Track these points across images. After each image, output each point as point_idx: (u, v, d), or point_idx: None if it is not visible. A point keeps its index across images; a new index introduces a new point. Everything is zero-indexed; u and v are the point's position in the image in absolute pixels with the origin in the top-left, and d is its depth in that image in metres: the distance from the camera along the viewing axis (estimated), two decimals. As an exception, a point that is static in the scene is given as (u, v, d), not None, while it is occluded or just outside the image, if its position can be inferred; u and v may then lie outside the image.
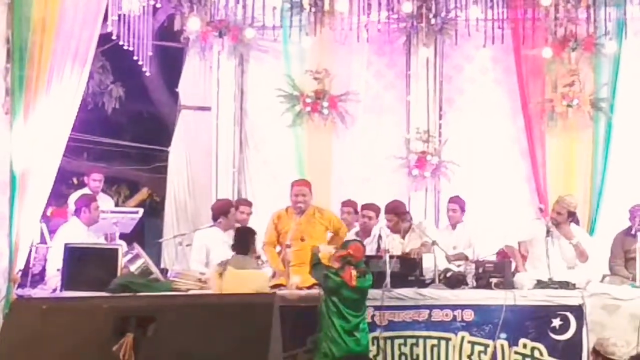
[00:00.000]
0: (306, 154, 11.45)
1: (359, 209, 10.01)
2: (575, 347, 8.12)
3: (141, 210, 10.18)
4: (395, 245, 9.10)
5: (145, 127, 15.12)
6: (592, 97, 10.96)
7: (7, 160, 7.98)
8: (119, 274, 8.40)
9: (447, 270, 8.76)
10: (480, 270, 8.61)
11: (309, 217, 8.93)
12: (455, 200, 10.22)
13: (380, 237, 9.24)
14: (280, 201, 10.00)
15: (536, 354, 8.16)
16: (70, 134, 8.67)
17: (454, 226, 10.05)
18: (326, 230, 8.96)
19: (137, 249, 8.90)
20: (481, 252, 9.52)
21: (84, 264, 8.34)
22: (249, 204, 10.45)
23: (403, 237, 9.34)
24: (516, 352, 8.17)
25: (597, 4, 10.36)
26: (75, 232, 9.19)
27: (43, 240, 9.50)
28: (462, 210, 10.11)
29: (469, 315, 8.24)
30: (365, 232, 9.63)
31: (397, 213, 9.55)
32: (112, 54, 12.45)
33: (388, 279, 8.24)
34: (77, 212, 9.44)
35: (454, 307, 8.25)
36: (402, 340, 8.17)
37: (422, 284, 8.53)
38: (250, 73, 11.78)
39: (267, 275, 8.34)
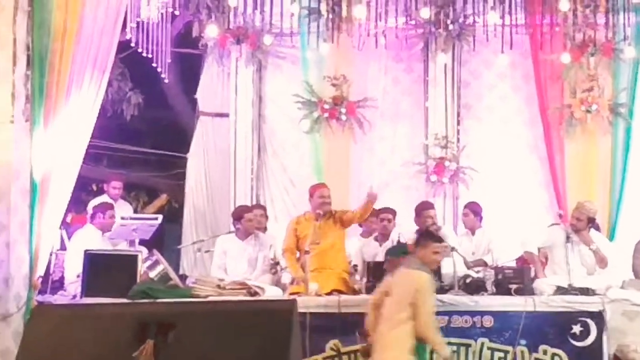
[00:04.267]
0: (324, 160, 11.46)
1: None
2: (595, 354, 8.09)
3: (160, 217, 10.21)
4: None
5: (163, 133, 15.16)
6: (611, 102, 10.93)
7: (27, 167, 8.03)
8: (138, 280, 8.45)
9: (466, 276, 8.74)
10: (500, 276, 8.58)
11: (326, 219, 8.99)
12: (468, 205, 10.19)
13: (399, 242, 9.23)
14: (299, 207, 10.07)
15: (556, 360, 8.14)
16: (90, 141, 8.72)
17: (472, 232, 10.01)
18: (338, 226, 9.01)
19: (157, 255, 8.93)
20: (500, 258, 9.47)
21: (104, 270, 8.39)
22: (261, 207, 10.50)
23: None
24: (536, 359, 8.14)
25: (615, 9, 10.31)
26: (90, 237, 9.26)
27: (63, 247, 9.58)
28: (477, 215, 10.05)
29: (488, 322, 8.22)
30: (385, 235, 9.64)
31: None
32: (131, 61, 12.50)
33: (407, 285, 8.20)
34: (92, 218, 9.52)
35: (473, 313, 8.23)
36: (421, 347, 8.14)
37: (442, 290, 8.49)
38: (268, 79, 11.81)
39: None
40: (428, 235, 7.65)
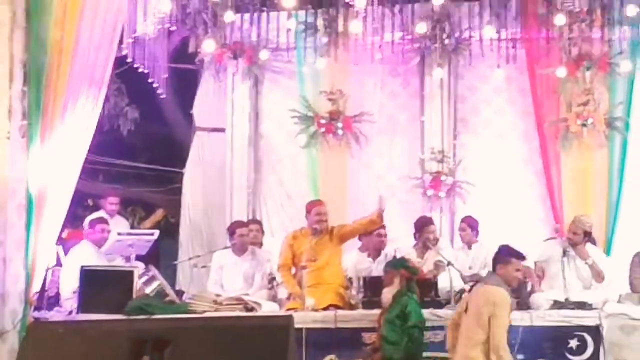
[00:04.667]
0: (321, 175, 11.46)
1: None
2: (592, 368, 8.08)
3: (157, 232, 10.19)
4: (411, 265, 9.10)
5: (160, 148, 15.15)
6: (606, 116, 10.93)
7: (23, 183, 8.01)
8: (134, 296, 8.43)
9: (463, 290, 8.73)
10: (497, 290, 8.56)
11: (322, 235, 8.99)
12: (464, 220, 10.20)
13: (394, 257, 9.23)
14: (295, 222, 10.06)
15: (553, 374, 8.12)
16: (86, 156, 8.71)
17: (469, 246, 10.02)
18: (334, 242, 9.01)
19: (153, 270, 8.92)
20: (497, 273, 9.46)
21: (100, 286, 8.37)
22: (257, 222, 10.48)
23: (421, 257, 9.34)
24: (533, 373, 8.12)
25: (611, 23, 10.35)
26: (86, 253, 9.24)
27: (59, 263, 9.56)
28: (474, 229, 10.07)
29: (485, 336, 8.19)
30: (377, 251, 9.64)
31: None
32: (127, 77, 12.47)
33: (404, 300, 8.19)
34: (86, 234, 9.51)
35: (470, 328, 8.20)
36: (418, 362, 8.12)
37: (438, 304, 8.50)
38: (264, 94, 11.83)
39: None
40: (509, 252, 7.26)
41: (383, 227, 9.67)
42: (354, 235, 9.42)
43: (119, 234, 9.72)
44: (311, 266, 8.78)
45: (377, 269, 9.21)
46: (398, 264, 7.96)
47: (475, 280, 9.35)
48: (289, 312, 8.22)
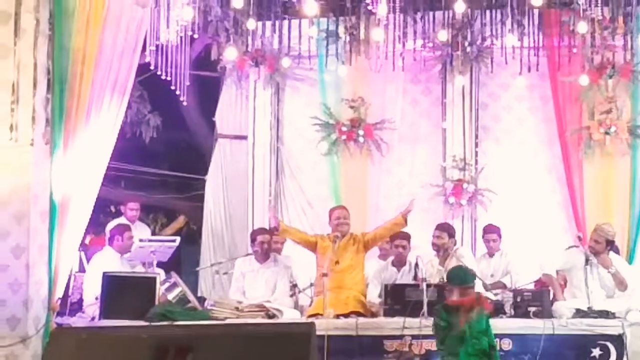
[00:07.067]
0: (342, 182, 11.47)
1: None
2: (615, 378, 8.03)
3: (178, 239, 10.22)
4: (433, 272, 9.08)
5: (182, 155, 15.22)
6: (629, 124, 10.88)
7: (46, 189, 8.06)
8: (156, 302, 8.46)
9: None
10: (519, 298, 8.54)
11: (345, 241, 8.99)
12: (493, 229, 10.15)
13: (417, 265, 9.18)
14: (316, 228, 10.07)
15: (576, 383, 8.08)
16: (109, 163, 8.75)
17: (491, 254, 9.99)
18: (357, 248, 9.01)
19: (175, 277, 8.94)
20: (519, 281, 9.45)
21: (122, 292, 8.40)
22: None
23: (442, 264, 9.31)
24: (556, 382, 8.08)
25: (634, 31, 10.31)
26: (108, 260, 9.27)
27: (82, 269, 9.61)
28: (500, 237, 10.04)
29: (507, 345, 8.16)
30: (401, 261, 9.61)
31: (450, 233, 9.56)
32: (150, 84, 12.55)
33: (425, 308, 8.18)
34: (110, 241, 9.55)
35: (492, 336, 8.18)
36: (440, 370, 8.10)
37: (460, 312, 8.45)
38: (286, 102, 11.85)
39: None
40: None
41: (406, 237, 9.60)
42: (379, 240, 9.44)
43: (141, 240, 9.76)
44: (333, 270, 8.79)
45: (401, 278, 9.22)
46: (469, 278, 7.41)
47: (498, 287, 9.37)
48: (310, 320, 8.21)
